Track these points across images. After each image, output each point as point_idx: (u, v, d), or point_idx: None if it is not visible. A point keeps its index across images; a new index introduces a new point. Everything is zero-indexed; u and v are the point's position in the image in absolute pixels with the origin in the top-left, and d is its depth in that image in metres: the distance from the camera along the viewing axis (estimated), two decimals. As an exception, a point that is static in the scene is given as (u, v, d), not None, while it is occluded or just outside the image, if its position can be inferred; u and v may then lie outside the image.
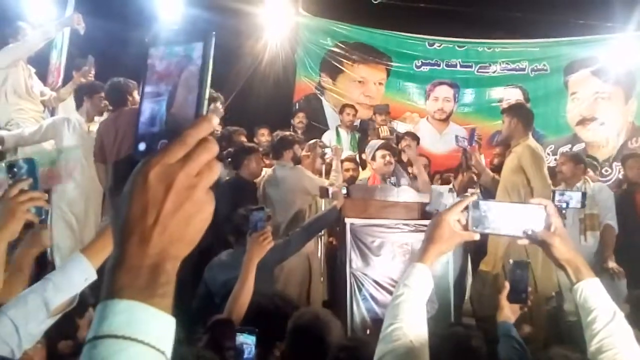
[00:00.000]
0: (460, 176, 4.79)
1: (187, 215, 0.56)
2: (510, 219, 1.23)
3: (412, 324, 1.14)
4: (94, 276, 1.38)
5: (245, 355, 1.71)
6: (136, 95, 4.37)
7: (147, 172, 0.55)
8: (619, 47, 6.56)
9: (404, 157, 5.33)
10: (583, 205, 3.23)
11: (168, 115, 0.61)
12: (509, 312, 2.04)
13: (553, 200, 3.08)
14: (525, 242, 1.25)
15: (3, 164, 1.70)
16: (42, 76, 4.94)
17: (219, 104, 4.30)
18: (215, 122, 0.58)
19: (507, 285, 1.99)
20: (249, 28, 6.64)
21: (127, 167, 0.58)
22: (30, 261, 1.67)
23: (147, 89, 0.63)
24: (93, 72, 4.79)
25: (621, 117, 6.83)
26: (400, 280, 1.23)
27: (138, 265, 0.54)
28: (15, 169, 1.50)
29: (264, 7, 6.65)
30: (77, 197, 4.08)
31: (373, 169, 4.66)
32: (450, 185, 4.88)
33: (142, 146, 0.61)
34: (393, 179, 4.48)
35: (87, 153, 4.10)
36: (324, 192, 4.16)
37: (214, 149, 0.58)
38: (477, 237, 1.25)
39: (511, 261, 2.02)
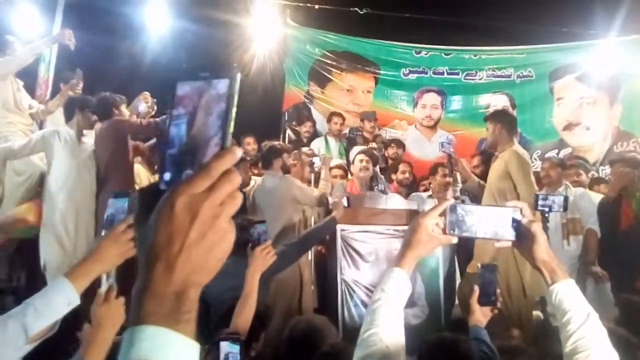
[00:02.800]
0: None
1: (210, 243, 0.58)
2: (487, 222, 1.24)
3: (388, 329, 1.15)
4: (77, 301, 1.35)
5: (230, 365, 1.72)
6: (123, 109, 4.37)
7: (174, 201, 0.57)
8: (602, 53, 6.67)
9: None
10: (565, 209, 3.27)
11: (188, 137, 0.64)
12: (480, 316, 2.04)
13: (536, 204, 3.11)
14: (503, 244, 1.25)
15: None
16: (30, 89, 4.93)
17: None
18: (239, 154, 0.61)
19: (476, 288, 1.99)
20: (237, 39, 6.69)
21: (152, 196, 0.61)
22: None
23: (173, 115, 0.65)
24: (81, 85, 4.79)
25: (606, 122, 6.92)
26: (378, 285, 1.24)
27: (163, 292, 0.56)
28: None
29: (252, 18, 6.71)
30: (67, 209, 3.97)
31: (351, 173, 4.76)
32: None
33: (167, 176, 0.64)
34: (381, 186, 4.52)
35: (77, 165, 4.06)
36: (323, 202, 4.17)
37: (236, 180, 0.60)
38: (454, 240, 1.27)
39: (479, 265, 2.03)
